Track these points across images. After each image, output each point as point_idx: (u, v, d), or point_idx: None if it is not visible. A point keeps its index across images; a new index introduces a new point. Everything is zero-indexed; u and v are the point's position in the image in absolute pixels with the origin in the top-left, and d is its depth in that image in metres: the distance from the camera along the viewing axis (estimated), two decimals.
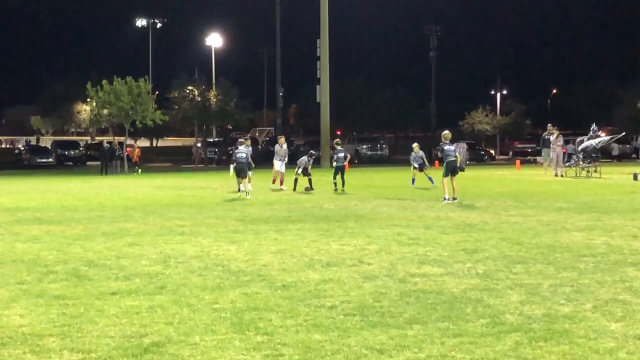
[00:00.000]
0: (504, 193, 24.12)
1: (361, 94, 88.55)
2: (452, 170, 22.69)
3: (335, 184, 28.10)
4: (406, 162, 26.81)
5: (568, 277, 10.57)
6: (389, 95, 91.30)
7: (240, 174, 25.40)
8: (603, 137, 40.89)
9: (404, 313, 8.55)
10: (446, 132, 23.52)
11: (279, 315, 8.47)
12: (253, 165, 27.75)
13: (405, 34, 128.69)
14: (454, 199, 22.35)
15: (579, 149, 36.43)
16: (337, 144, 29.83)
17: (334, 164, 28.67)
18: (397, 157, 66.99)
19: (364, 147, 70.72)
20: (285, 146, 30.48)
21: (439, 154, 23.36)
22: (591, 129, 36.84)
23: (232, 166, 28.08)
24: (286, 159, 29.96)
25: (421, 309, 8.71)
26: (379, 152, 70.55)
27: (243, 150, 26.08)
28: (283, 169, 29.32)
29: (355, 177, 36.08)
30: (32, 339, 7.55)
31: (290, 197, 25.05)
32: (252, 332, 7.79)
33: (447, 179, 22.59)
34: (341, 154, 28.41)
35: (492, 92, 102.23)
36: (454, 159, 22.77)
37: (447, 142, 22.88)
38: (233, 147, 33.99)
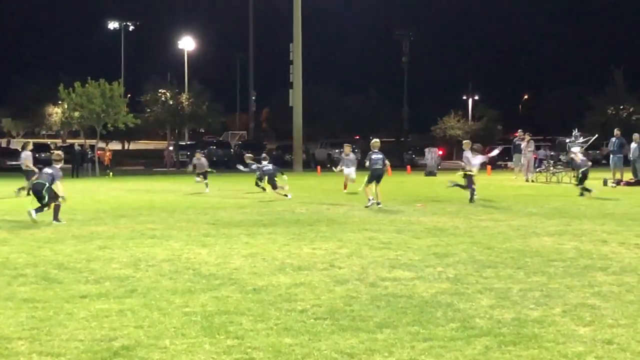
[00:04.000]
0: (475, 198, 24.19)
1: (334, 98, 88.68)
2: (376, 177, 22.84)
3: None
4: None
5: (538, 281, 10.64)
6: (362, 100, 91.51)
7: None
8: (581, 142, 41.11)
9: (375, 317, 8.56)
10: (375, 140, 23.90)
11: (250, 319, 8.46)
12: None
13: (378, 38, 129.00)
14: (378, 204, 22.36)
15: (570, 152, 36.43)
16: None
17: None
18: None
19: (337, 151, 70.76)
20: (352, 155, 29.91)
21: (366, 162, 23.39)
22: (573, 134, 36.99)
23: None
24: (354, 166, 29.37)
25: (391, 313, 8.73)
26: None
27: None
28: (354, 175, 28.98)
29: (328, 182, 36.13)
30: (0, 341, 7.49)
31: (261, 200, 25.03)
32: (223, 335, 7.78)
33: (369, 186, 22.81)
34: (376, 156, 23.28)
35: (464, 98, 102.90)
36: (380, 167, 22.91)
37: (376, 150, 23.09)
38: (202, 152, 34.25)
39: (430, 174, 45.82)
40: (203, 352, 7.24)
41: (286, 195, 26.10)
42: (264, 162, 28.33)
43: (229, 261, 12.43)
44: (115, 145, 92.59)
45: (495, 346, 7.44)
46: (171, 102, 76.92)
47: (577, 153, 26.80)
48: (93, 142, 59.07)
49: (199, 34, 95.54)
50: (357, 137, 74.49)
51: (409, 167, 53.64)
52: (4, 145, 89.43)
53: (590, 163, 24.84)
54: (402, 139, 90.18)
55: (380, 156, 23.02)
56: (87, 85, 59.59)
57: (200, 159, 31.66)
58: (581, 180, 26.04)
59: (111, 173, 49.59)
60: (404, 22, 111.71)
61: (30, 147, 30.75)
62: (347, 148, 29.92)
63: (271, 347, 7.39)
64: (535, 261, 12.37)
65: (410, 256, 12.91)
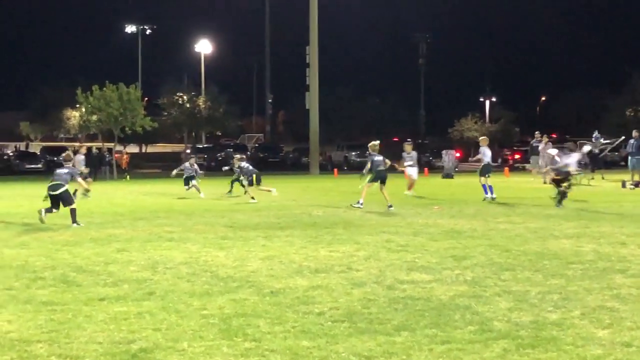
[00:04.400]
0: (492, 200, 24.14)
1: (350, 100, 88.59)
2: (381, 179, 22.97)
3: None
4: (393, 169, 26.67)
5: (556, 284, 10.60)
6: (379, 102, 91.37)
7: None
8: (605, 144, 40.86)
9: (392, 320, 8.55)
10: (373, 142, 23.85)
11: (267, 321, 8.47)
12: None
13: (395, 41, 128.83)
14: (390, 206, 22.32)
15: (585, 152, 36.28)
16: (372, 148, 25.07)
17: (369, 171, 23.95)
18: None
19: (353, 153, 70.65)
20: (414, 153, 29.63)
21: (368, 165, 23.38)
22: (593, 136, 36.78)
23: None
24: (416, 165, 29.37)
25: (409, 316, 8.72)
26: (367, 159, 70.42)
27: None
28: (416, 175, 28.98)
29: (345, 184, 36.11)
30: (20, 344, 7.53)
31: (279, 203, 25.04)
32: (240, 338, 7.79)
33: (370, 186, 22.96)
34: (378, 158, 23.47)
35: (481, 100, 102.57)
36: (383, 168, 23.07)
37: (375, 153, 23.12)
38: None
39: (448, 176, 45.71)
40: (221, 355, 7.25)
41: (270, 190, 27.04)
42: (245, 163, 28.24)
43: (246, 264, 12.44)
44: (133, 149, 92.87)
45: (513, 349, 7.42)
46: (188, 105, 77.12)
47: (554, 156, 26.19)
48: (111, 145, 59.23)
49: (216, 37, 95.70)
50: (396, 139, 73.83)
51: (426, 169, 53.52)
52: (22, 148, 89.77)
53: (570, 169, 23.80)
54: (419, 141, 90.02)
55: (382, 158, 23.13)
56: (104, 88, 59.82)
57: (193, 164, 30.75)
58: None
59: (128, 176, 49.68)
60: (420, 24, 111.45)
61: (84, 150, 31.21)
62: (408, 146, 29.53)
63: (288, 350, 7.40)
64: (553, 264, 12.32)
65: (427, 259, 12.89)
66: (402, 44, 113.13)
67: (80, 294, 9.99)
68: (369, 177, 23.21)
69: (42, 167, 65.53)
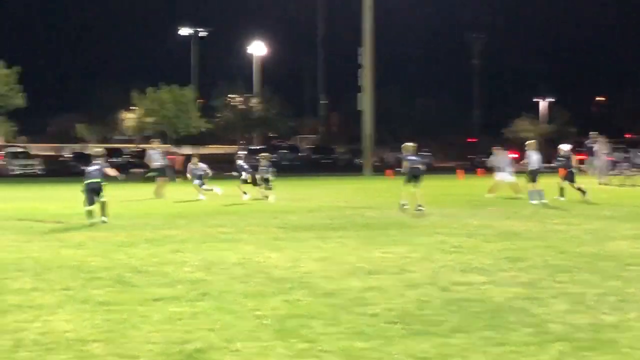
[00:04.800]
0: (543, 204, 23.89)
1: (403, 101, 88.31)
2: (415, 178, 22.60)
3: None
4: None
5: (613, 286, 10.46)
6: (432, 102, 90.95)
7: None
8: None
9: (447, 321, 8.50)
10: (407, 144, 23.44)
11: (321, 322, 8.46)
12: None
13: (448, 40, 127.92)
14: (420, 208, 22.00)
15: None
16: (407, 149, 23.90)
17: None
18: (439, 165, 66.80)
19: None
20: (506, 157, 29.42)
21: (404, 164, 23.02)
22: None
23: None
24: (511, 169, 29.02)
25: (464, 318, 8.66)
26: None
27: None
28: (509, 177, 28.63)
29: (398, 185, 35.98)
30: (77, 344, 7.61)
31: (331, 204, 25.04)
32: (295, 339, 7.79)
33: (407, 186, 22.60)
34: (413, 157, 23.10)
35: (537, 100, 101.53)
36: (417, 167, 22.76)
37: (409, 153, 22.92)
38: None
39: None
40: (275, 356, 7.26)
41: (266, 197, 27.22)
42: (242, 162, 28.85)
43: (299, 265, 12.46)
44: (187, 150, 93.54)
45: (570, 351, 7.33)
46: (241, 107, 77.47)
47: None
48: (165, 147, 59.72)
49: (269, 38, 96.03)
50: (473, 140, 73.20)
51: (479, 170, 53.08)
52: (78, 150, 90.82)
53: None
54: (473, 142, 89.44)
55: (417, 158, 23.02)
56: (159, 90, 60.39)
57: (197, 164, 29.91)
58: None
59: (181, 178, 49.70)
60: (474, 24, 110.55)
61: (156, 145, 32.00)
62: (499, 151, 29.61)
63: (343, 351, 7.39)
64: (610, 265, 12.16)
65: (482, 260, 12.80)
66: (455, 44, 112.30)
67: (136, 294, 10.08)
68: (404, 178, 22.93)
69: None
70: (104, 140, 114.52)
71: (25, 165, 62.78)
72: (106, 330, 8.16)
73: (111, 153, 73.21)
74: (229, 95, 79.78)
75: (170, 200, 28.43)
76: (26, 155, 69.44)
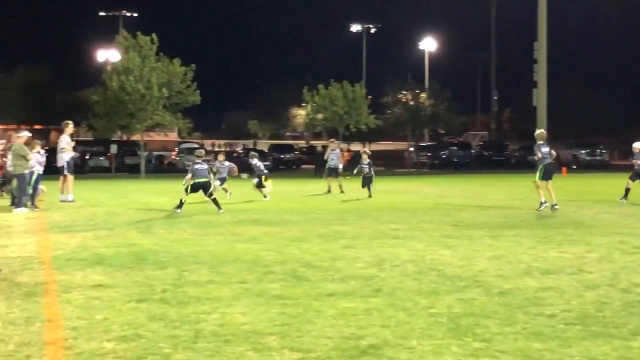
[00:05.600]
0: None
1: (581, 97, 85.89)
2: (550, 174, 21.86)
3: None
4: (626, 168, 25.48)
5: None
6: (613, 98, 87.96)
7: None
8: None
9: (628, 324, 8.18)
10: (540, 131, 22.66)
11: (497, 322, 8.30)
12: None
13: (629, 32, 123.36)
14: (554, 205, 21.31)
15: None
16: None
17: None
18: (617, 163, 64.63)
19: (583, 152, 68.46)
20: None
21: (538, 155, 21.97)
22: None
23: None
24: None
25: None
26: (598, 158, 67.96)
27: None
28: None
29: (574, 183, 35.07)
30: (253, 336, 7.74)
31: (505, 202, 24.65)
32: (470, 338, 7.67)
33: (542, 184, 21.72)
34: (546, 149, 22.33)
35: None
36: (550, 161, 21.91)
37: (543, 142, 21.94)
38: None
39: None
40: (450, 354, 7.16)
41: (265, 196, 27.00)
42: (256, 161, 28.21)
43: (473, 263, 12.29)
44: (357, 147, 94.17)
45: None
46: (411, 103, 77.34)
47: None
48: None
49: (439, 33, 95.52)
50: None
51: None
52: (251, 146, 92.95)
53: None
54: None
55: (548, 149, 22.14)
56: (330, 87, 60.98)
57: (223, 162, 27.99)
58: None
59: (348, 175, 49.83)
60: None
61: (334, 145, 32.80)
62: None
63: (520, 351, 7.22)
64: None
65: None
66: (637, 35, 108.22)
67: (310, 289, 10.17)
68: (538, 174, 22.00)
69: (270, 164, 67.55)
70: (275, 136, 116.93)
71: None
72: (281, 323, 8.26)
73: (283, 150, 74.74)
74: (400, 92, 79.75)
75: (339, 196, 28.67)
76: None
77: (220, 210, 21.05)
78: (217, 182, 25.75)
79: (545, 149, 22.05)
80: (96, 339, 7.67)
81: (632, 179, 24.90)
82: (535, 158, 22.66)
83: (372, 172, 28.44)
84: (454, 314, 8.64)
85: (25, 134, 24.06)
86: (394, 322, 8.28)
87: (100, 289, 10.18)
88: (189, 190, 21.43)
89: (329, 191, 30.14)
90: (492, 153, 73.29)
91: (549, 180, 21.95)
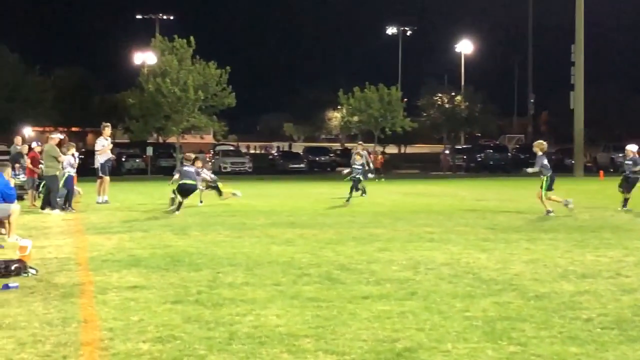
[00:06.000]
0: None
1: (619, 99, 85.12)
2: (553, 183, 21.45)
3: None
4: None
5: None
6: None
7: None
8: None
9: None
10: (540, 142, 22.39)
11: (533, 326, 8.25)
12: None
13: None
14: (549, 211, 21.06)
15: None
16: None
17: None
18: None
19: (620, 155, 67.73)
20: None
21: (537, 167, 21.44)
22: None
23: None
24: None
25: None
26: None
27: None
28: None
29: (611, 187, 34.73)
30: (288, 339, 7.75)
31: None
32: (505, 341, 7.62)
33: (548, 194, 21.36)
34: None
35: None
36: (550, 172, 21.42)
37: (541, 153, 21.51)
38: None
39: None
40: (485, 358, 7.13)
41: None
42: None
43: (509, 266, 12.21)
44: (392, 149, 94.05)
45: None
46: (447, 106, 77.12)
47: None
48: (370, 146, 60.30)
49: (476, 36, 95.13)
50: None
51: (601, 172, 50.25)
52: (286, 148, 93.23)
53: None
54: None
55: (630, 162, 21.95)
56: (365, 90, 60.94)
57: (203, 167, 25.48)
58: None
59: (383, 178, 49.61)
60: None
61: (360, 148, 32.47)
62: None
63: (556, 355, 7.17)
64: None
65: None
66: None
67: (345, 291, 10.16)
68: (544, 185, 21.39)
69: (305, 167, 67.66)
70: (310, 139, 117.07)
71: (236, 163, 65.05)
72: (316, 326, 8.26)
73: (318, 152, 74.82)
74: (435, 95, 79.51)
75: (372, 198, 28.62)
76: (236, 153, 72.00)
77: (177, 212, 21.41)
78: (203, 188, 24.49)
79: (545, 161, 21.60)
80: (132, 340, 7.72)
81: (624, 187, 23.33)
82: (532, 170, 21.93)
83: (359, 176, 27.48)
84: (489, 318, 8.59)
85: (57, 136, 24.28)
86: (428, 325, 8.26)
87: (136, 290, 10.24)
88: (176, 192, 21.99)
89: (363, 192, 29.98)
90: (528, 156, 72.75)
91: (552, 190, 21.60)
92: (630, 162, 23.38)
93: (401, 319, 8.58)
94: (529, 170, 22.31)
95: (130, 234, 16.86)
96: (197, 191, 23.43)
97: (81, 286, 10.58)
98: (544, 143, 22.58)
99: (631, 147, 24.02)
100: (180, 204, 21.82)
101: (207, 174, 25.25)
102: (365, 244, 15.06)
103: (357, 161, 28.08)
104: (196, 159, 24.86)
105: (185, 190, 21.85)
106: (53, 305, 9.30)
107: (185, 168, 22.18)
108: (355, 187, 27.01)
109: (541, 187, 21.42)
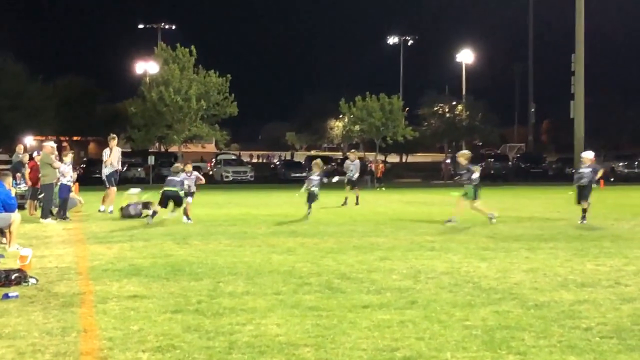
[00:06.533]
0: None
1: (618, 109, 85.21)
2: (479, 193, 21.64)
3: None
4: None
5: None
6: None
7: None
8: None
9: None
10: (464, 152, 22.48)
11: (532, 335, 8.26)
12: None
13: None
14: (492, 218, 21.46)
15: None
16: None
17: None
18: None
19: (620, 164, 67.77)
20: None
21: (472, 176, 21.56)
22: None
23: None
24: None
25: None
26: (636, 170, 67.20)
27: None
28: None
29: (611, 195, 34.76)
30: (288, 348, 7.76)
31: (542, 214, 24.51)
32: (504, 350, 7.63)
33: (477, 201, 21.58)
34: None
35: None
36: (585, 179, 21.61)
37: (471, 164, 21.74)
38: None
39: None
40: None
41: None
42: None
43: (509, 275, 12.22)
44: (394, 158, 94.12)
45: None
46: (448, 115, 77.25)
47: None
48: (372, 154, 60.37)
49: (476, 46, 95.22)
50: None
51: (602, 181, 50.08)
52: (287, 157, 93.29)
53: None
54: None
55: (589, 170, 22.02)
56: (367, 99, 61.05)
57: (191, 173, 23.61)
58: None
59: (383, 187, 49.83)
60: None
61: (353, 157, 32.35)
62: None
63: None
64: None
65: None
66: None
67: (345, 300, 10.17)
68: (474, 194, 21.66)
69: (307, 176, 67.60)
70: (312, 147, 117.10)
71: (237, 172, 65.12)
72: (316, 335, 8.27)
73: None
74: (437, 104, 79.65)
75: (373, 207, 28.62)
76: (238, 162, 72.10)
77: (189, 221, 21.78)
78: (189, 199, 22.72)
79: (476, 175, 21.68)
80: (132, 349, 7.73)
81: (582, 196, 22.25)
82: (468, 178, 21.86)
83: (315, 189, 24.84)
84: (488, 327, 8.60)
85: (50, 144, 24.24)
86: (428, 334, 8.27)
87: (136, 299, 10.25)
88: (160, 200, 22.06)
89: (344, 203, 29.97)
90: (529, 165, 72.94)
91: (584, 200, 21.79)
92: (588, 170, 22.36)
93: (401, 328, 8.59)
94: (468, 178, 21.89)
95: (131, 243, 16.88)
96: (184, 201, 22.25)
97: (81, 295, 10.59)
98: (468, 152, 22.63)
99: (587, 154, 23.04)
100: (154, 212, 21.82)
101: (191, 182, 23.18)
102: (366, 252, 15.07)
103: (349, 167, 28.22)
104: (186, 165, 24.48)
105: (165, 198, 21.86)
106: (53, 314, 9.31)
107: (170, 177, 22.31)
108: (310, 199, 24.64)
109: (469, 198, 21.67)
